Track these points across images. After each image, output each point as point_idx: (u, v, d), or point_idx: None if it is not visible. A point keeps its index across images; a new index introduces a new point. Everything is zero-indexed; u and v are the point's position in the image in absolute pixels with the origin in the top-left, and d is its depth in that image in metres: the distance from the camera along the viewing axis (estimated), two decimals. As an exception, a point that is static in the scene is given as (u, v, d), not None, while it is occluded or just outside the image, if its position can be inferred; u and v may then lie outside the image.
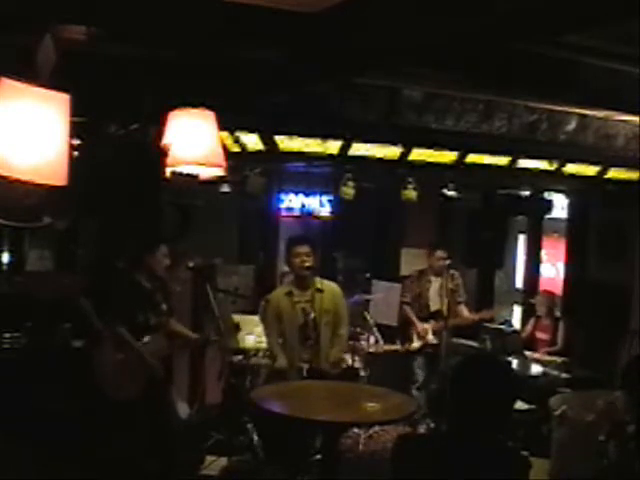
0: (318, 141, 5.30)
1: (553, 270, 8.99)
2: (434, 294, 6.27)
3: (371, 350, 6.59)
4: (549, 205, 7.42)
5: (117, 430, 4.29)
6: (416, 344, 6.28)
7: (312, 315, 4.76)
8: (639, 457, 3.44)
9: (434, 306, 6.25)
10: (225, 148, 3.17)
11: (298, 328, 4.83)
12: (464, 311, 6.33)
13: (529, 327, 6.90)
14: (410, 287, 6.50)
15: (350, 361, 6.13)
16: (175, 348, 4.82)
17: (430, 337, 6.20)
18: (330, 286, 4.94)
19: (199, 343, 4.97)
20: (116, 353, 4.33)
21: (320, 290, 4.83)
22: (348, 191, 6.83)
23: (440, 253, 6.25)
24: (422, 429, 5.82)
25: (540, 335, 6.71)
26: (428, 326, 6.25)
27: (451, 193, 6.97)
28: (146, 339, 4.41)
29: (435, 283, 6.30)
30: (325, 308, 4.79)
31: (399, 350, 6.59)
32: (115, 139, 3.56)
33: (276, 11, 2.85)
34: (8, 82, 1.93)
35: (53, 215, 2.53)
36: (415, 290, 6.42)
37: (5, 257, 5.26)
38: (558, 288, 8.14)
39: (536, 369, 5.97)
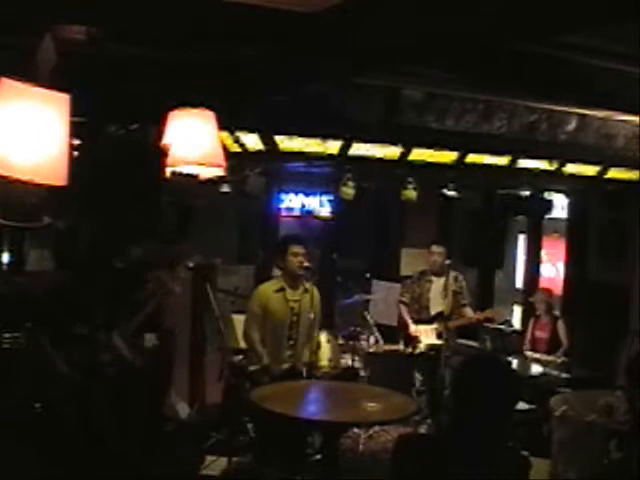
0: (318, 141, 5.29)
1: (553, 270, 9.00)
2: (435, 295, 6.11)
3: (371, 350, 6.58)
4: (549, 205, 7.42)
5: (116, 430, 4.29)
6: (421, 347, 6.09)
7: (304, 315, 4.74)
8: (639, 457, 3.45)
9: (435, 308, 6.08)
10: (225, 148, 3.18)
11: (287, 327, 4.80)
12: (469, 312, 6.16)
13: (530, 327, 6.84)
14: (410, 287, 6.34)
15: (350, 361, 6.12)
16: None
17: (433, 340, 6.01)
18: (313, 288, 4.90)
19: None
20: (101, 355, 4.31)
21: (307, 291, 4.82)
22: (348, 191, 6.82)
23: (435, 248, 6.14)
24: (423, 429, 5.82)
25: (539, 334, 6.67)
26: (424, 328, 6.09)
27: (451, 193, 6.97)
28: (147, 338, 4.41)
29: (437, 284, 6.13)
30: (309, 310, 4.78)
31: (400, 350, 6.52)
32: (115, 139, 3.56)
33: (276, 11, 2.85)
34: (8, 82, 1.93)
35: (53, 215, 2.52)
36: (415, 290, 6.26)
37: (5, 257, 5.24)
38: (558, 288, 8.14)
39: (536, 369, 5.96)
